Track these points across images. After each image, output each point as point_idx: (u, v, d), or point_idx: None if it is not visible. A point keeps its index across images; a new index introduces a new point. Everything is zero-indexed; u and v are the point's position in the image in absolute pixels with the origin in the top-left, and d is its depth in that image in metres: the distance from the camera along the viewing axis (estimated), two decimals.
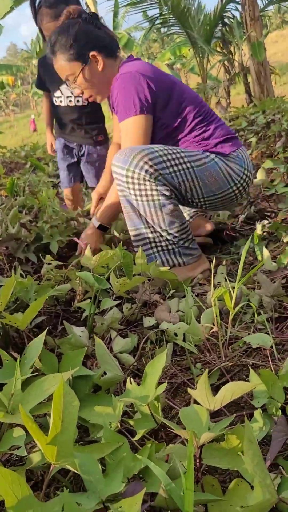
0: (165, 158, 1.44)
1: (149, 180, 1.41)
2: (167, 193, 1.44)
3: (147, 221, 1.48)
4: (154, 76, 1.52)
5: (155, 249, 1.51)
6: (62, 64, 1.55)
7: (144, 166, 1.40)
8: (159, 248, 1.51)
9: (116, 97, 1.52)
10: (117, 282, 1.27)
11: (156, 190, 1.42)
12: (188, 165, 1.49)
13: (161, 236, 1.49)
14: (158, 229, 1.48)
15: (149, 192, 1.42)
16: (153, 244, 1.51)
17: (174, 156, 1.46)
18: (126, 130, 1.52)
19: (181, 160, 1.48)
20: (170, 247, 1.51)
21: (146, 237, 1.50)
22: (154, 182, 1.41)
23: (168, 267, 1.48)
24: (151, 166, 1.41)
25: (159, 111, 1.53)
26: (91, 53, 1.52)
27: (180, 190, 1.50)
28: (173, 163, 1.45)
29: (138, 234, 1.51)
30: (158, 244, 1.50)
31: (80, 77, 1.56)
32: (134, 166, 1.40)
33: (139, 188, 1.42)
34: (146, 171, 1.40)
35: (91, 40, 1.53)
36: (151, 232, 1.49)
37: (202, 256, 1.58)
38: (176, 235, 1.48)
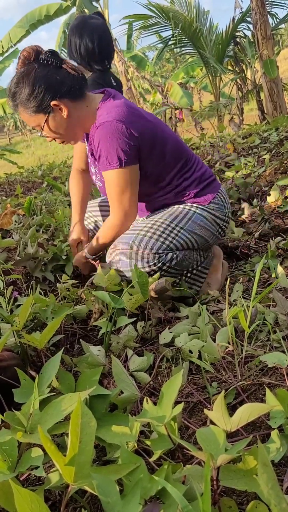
0: (156, 237, 1.45)
1: (154, 263, 1.44)
2: (174, 259, 1.48)
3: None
4: (135, 121, 1.42)
5: (183, 278, 1.57)
6: (25, 116, 1.44)
7: (144, 257, 1.43)
8: (185, 278, 1.57)
9: (97, 146, 1.43)
10: (130, 299, 1.28)
11: (163, 263, 1.46)
12: (178, 228, 1.50)
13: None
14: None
15: (160, 266, 1.46)
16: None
17: (163, 228, 1.48)
18: (109, 181, 1.46)
19: (170, 228, 1.49)
20: (194, 271, 1.60)
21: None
22: (158, 260, 1.45)
23: (198, 288, 1.60)
24: (149, 254, 1.43)
25: (144, 159, 1.47)
26: (52, 103, 1.40)
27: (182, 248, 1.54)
28: (164, 235, 1.47)
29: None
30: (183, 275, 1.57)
31: (46, 127, 1.46)
32: (135, 261, 1.43)
33: (150, 269, 1.46)
34: (148, 261, 1.43)
35: (50, 87, 1.39)
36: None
37: (214, 251, 1.67)
38: (196, 267, 1.59)
